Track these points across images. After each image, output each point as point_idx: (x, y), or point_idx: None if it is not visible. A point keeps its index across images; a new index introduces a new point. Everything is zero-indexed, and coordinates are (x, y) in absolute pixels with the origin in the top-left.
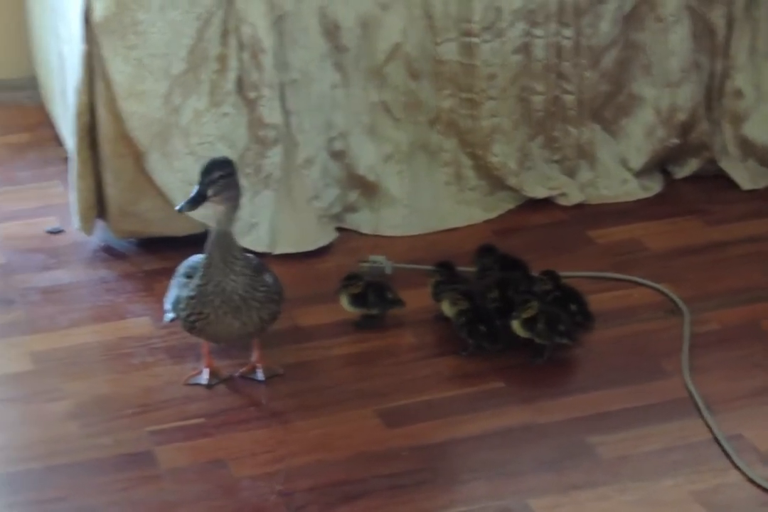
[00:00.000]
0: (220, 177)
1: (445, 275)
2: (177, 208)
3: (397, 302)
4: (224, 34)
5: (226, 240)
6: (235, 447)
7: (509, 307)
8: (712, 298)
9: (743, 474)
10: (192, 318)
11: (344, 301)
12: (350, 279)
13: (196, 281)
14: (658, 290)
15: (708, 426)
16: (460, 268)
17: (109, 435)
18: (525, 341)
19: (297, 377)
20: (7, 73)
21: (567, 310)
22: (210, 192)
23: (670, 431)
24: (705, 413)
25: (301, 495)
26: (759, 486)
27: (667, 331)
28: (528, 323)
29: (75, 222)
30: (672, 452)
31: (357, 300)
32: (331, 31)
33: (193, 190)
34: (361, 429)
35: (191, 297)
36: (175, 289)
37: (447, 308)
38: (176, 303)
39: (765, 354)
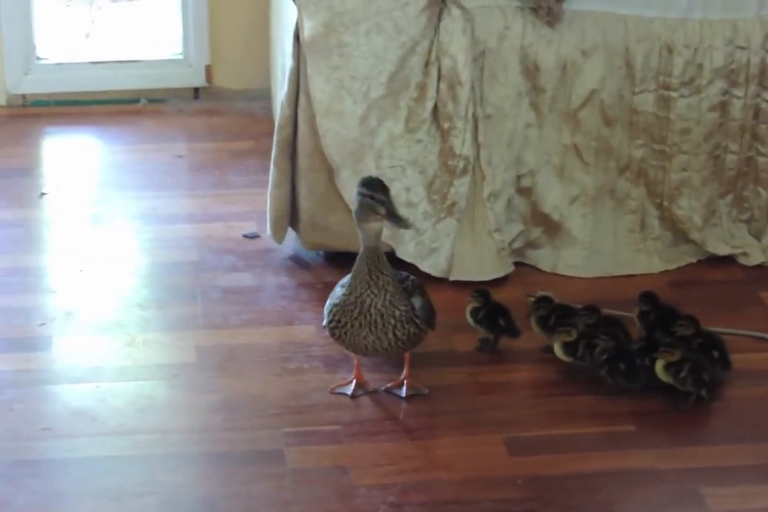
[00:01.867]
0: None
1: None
2: (407, 227)
3: (511, 331)
4: (427, 64)
5: (375, 255)
6: (360, 457)
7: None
8: None
9: None
10: (332, 324)
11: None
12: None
13: (342, 290)
14: None
15: None
16: (622, 313)
17: (246, 432)
18: (665, 387)
19: (439, 398)
20: (246, 84)
21: (710, 357)
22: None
23: None
24: None
25: (411, 508)
26: None
27: None
28: (671, 368)
29: (267, 229)
30: None
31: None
32: (531, 71)
33: (386, 208)
34: (485, 455)
35: (335, 305)
36: (330, 298)
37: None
38: (326, 310)
39: None
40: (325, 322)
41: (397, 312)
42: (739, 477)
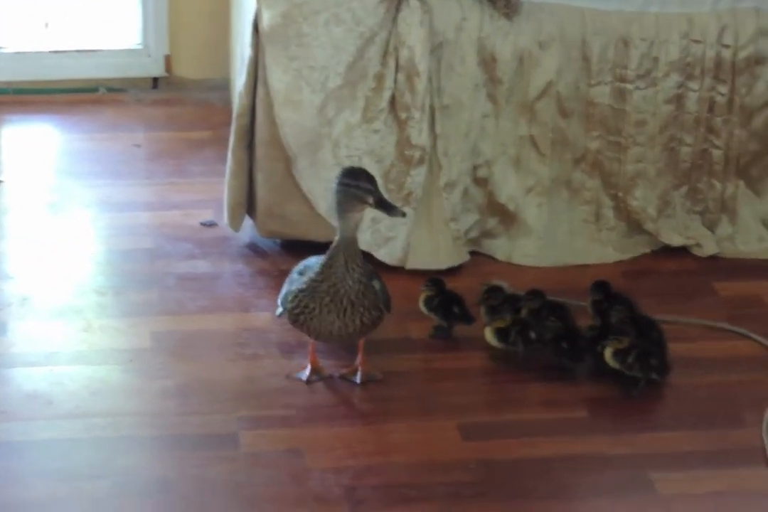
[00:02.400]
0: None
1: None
2: (401, 215)
3: (466, 318)
4: (384, 55)
5: (352, 247)
6: (314, 441)
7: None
8: None
9: None
10: (297, 310)
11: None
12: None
13: (310, 276)
14: (762, 345)
15: None
16: (576, 303)
17: (200, 416)
18: (615, 373)
19: (393, 384)
20: (205, 74)
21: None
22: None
23: (731, 477)
24: None
25: (365, 491)
26: None
27: (759, 385)
28: (619, 355)
29: (224, 217)
30: (728, 497)
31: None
32: (488, 62)
33: (375, 197)
34: (438, 439)
35: (301, 290)
36: (287, 285)
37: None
38: (285, 297)
39: None
40: (284, 309)
41: (366, 302)
42: (688, 462)
